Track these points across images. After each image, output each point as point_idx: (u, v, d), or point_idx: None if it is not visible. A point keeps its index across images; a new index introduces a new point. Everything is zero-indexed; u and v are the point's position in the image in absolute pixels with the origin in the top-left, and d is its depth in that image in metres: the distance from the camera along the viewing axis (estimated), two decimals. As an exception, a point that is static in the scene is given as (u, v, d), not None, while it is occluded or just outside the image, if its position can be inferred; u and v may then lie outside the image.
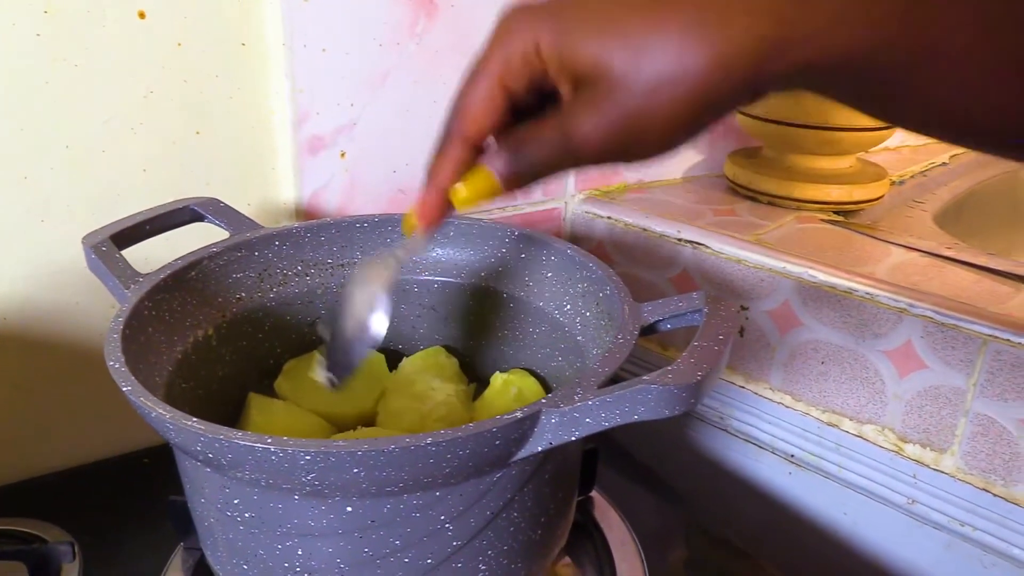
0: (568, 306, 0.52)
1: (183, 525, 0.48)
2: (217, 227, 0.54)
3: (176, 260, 0.49)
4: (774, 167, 0.82)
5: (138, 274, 0.47)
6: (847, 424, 0.65)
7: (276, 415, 0.51)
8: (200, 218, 0.55)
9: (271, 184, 0.65)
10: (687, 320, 0.44)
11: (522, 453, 0.37)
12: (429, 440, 0.33)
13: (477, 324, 0.58)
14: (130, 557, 0.53)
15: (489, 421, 0.35)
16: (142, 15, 0.56)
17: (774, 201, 0.80)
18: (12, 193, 0.55)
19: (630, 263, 0.77)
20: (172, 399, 0.43)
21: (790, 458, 0.69)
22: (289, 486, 0.35)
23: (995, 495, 0.58)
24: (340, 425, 0.53)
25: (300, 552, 0.38)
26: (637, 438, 0.69)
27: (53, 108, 0.55)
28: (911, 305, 0.59)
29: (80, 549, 0.52)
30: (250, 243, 0.53)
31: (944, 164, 1.05)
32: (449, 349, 0.58)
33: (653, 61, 0.31)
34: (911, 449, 0.62)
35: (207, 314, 0.50)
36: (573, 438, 0.36)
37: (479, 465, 0.36)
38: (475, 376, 0.58)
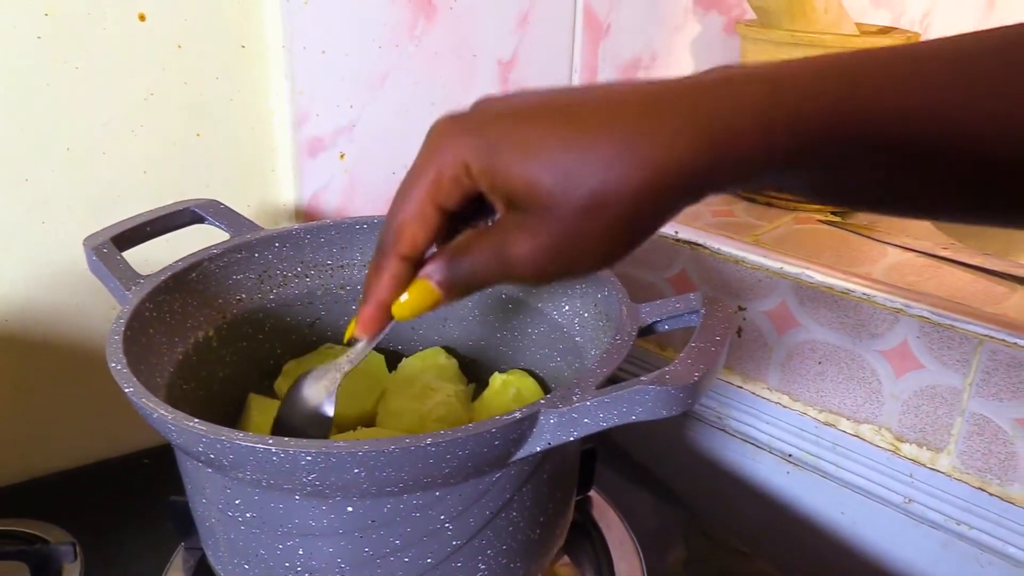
0: (566, 307, 0.53)
1: (184, 525, 0.48)
2: (217, 229, 0.55)
3: (177, 262, 0.50)
4: (772, 168, 0.82)
5: (139, 275, 0.48)
6: (844, 424, 0.65)
7: (276, 415, 0.51)
8: (200, 220, 0.55)
9: (271, 185, 0.65)
10: (684, 321, 0.45)
11: (521, 453, 0.37)
12: (429, 440, 0.34)
13: (476, 325, 0.58)
14: (131, 557, 0.53)
15: (488, 421, 0.35)
16: (142, 17, 0.56)
17: (772, 202, 0.80)
18: (13, 194, 0.55)
19: (628, 263, 0.77)
20: (173, 400, 0.43)
21: (788, 458, 0.70)
22: (290, 486, 0.36)
23: (991, 494, 0.58)
24: (340, 425, 0.53)
25: (301, 552, 0.39)
26: (635, 438, 0.69)
27: (54, 109, 0.55)
28: (907, 305, 0.59)
29: (81, 549, 0.52)
30: (250, 245, 0.53)
31: (941, 164, 1.05)
32: (448, 350, 0.59)
33: (583, 184, 0.30)
34: (908, 448, 0.62)
35: (207, 315, 0.51)
36: (572, 438, 0.37)
37: (478, 465, 0.37)
38: (474, 377, 0.59)
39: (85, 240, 0.50)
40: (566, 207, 0.31)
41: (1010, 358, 0.55)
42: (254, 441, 0.33)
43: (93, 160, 0.57)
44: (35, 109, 0.54)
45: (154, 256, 0.51)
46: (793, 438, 0.69)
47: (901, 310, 0.60)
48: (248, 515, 0.39)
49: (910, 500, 0.63)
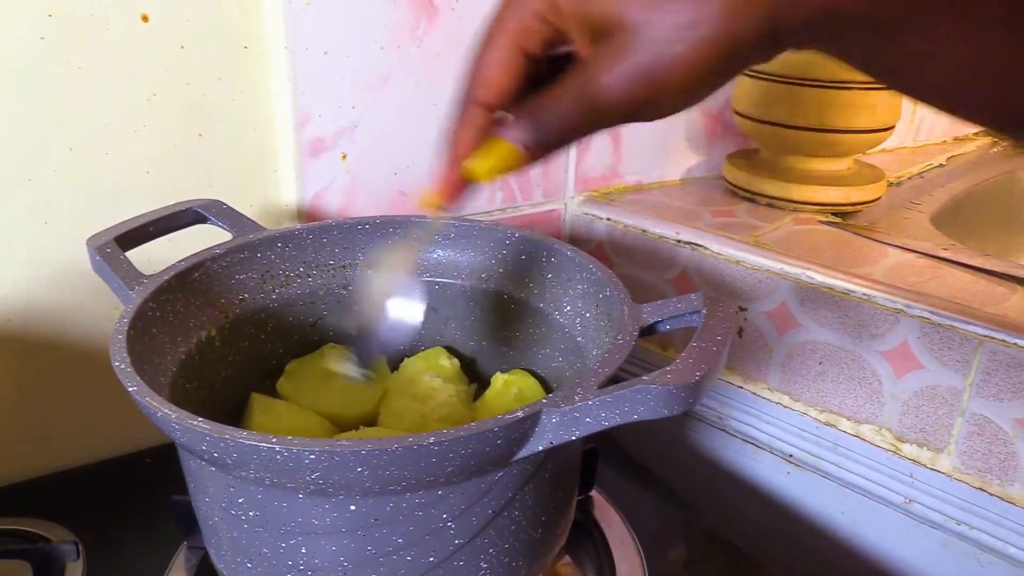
0: (568, 307, 0.53)
1: (186, 524, 0.48)
2: (220, 229, 0.55)
3: (179, 262, 0.50)
4: (772, 169, 0.82)
5: (142, 275, 0.48)
6: (845, 424, 0.65)
7: (279, 415, 0.51)
8: (203, 220, 0.55)
9: (273, 186, 0.65)
10: (686, 321, 0.45)
11: (523, 452, 0.37)
12: (432, 439, 0.34)
13: (478, 325, 0.58)
14: (134, 556, 0.54)
15: (491, 420, 0.35)
16: (145, 18, 0.56)
17: (772, 203, 0.81)
18: (16, 194, 0.55)
19: (629, 264, 0.77)
20: (176, 399, 0.43)
21: (788, 458, 0.70)
22: (293, 485, 0.36)
23: (991, 494, 0.58)
24: (342, 425, 0.53)
25: (304, 550, 0.39)
26: (637, 438, 0.69)
27: (56, 110, 0.55)
28: (908, 306, 0.59)
29: (84, 548, 0.52)
30: (252, 245, 0.53)
31: (941, 166, 1.05)
32: (450, 350, 0.59)
33: (672, 8, 0.30)
34: (908, 449, 0.62)
35: (210, 315, 0.51)
36: (573, 437, 0.37)
37: (481, 464, 0.37)
38: (476, 377, 0.59)
39: (88, 240, 0.50)
40: (653, 33, 0.31)
41: (1010, 358, 0.55)
42: (258, 440, 0.34)
43: (95, 160, 0.57)
44: (38, 109, 0.54)
45: (157, 256, 0.52)
46: (794, 438, 0.69)
47: (901, 311, 0.60)
48: (251, 514, 0.39)
49: (910, 500, 0.63)
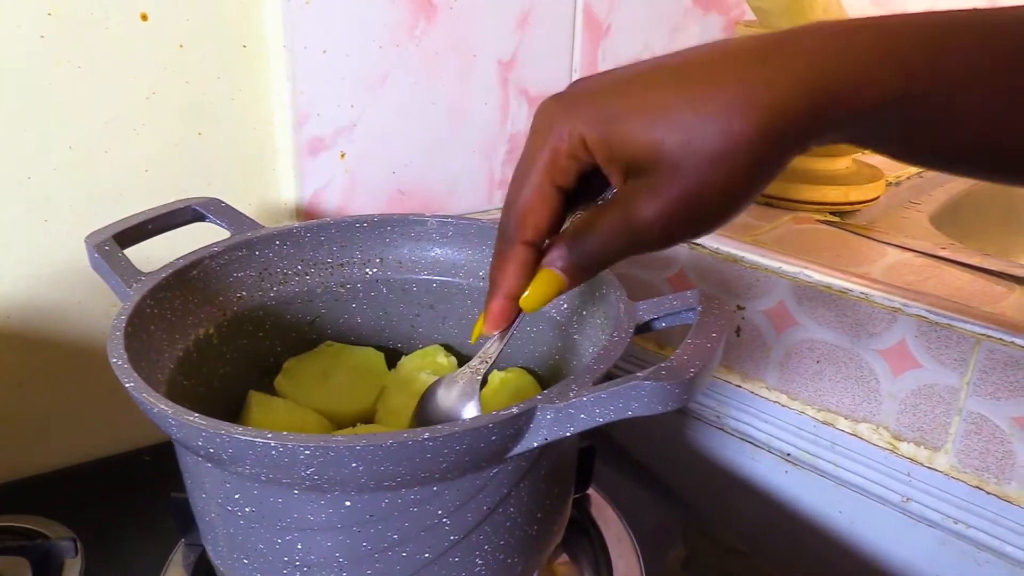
0: (565, 305, 0.53)
1: (184, 521, 0.49)
2: (218, 227, 0.55)
3: (178, 259, 0.50)
4: (771, 168, 0.82)
5: (140, 273, 0.48)
6: (842, 423, 0.65)
7: (276, 413, 0.51)
8: (201, 218, 0.55)
9: (272, 184, 0.65)
10: (682, 318, 0.45)
11: (518, 449, 0.37)
12: (426, 435, 0.34)
13: (475, 323, 0.58)
14: (132, 553, 0.54)
15: (485, 417, 0.35)
16: (144, 17, 0.57)
17: (771, 202, 0.81)
18: (15, 193, 0.56)
19: (627, 262, 0.76)
20: (174, 396, 0.44)
21: (786, 456, 0.70)
22: (289, 481, 0.36)
23: (988, 493, 0.58)
24: (339, 423, 0.53)
25: (300, 546, 0.39)
26: (634, 436, 0.70)
27: (56, 108, 0.55)
28: (905, 305, 0.59)
29: (82, 545, 0.52)
30: (251, 242, 0.54)
31: (941, 165, 1.05)
32: (447, 348, 0.59)
33: (704, 139, 0.31)
34: (905, 447, 0.62)
35: (208, 313, 0.51)
36: (568, 434, 0.37)
37: (476, 460, 0.37)
38: (473, 375, 0.59)
39: (87, 238, 0.50)
40: (689, 165, 0.32)
41: (1007, 357, 0.55)
42: (253, 435, 0.34)
43: (95, 159, 0.58)
44: (37, 108, 0.55)
45: (155, 254, 0.52)
46: (791, 437, 0.69)
47: (899, 309, 0.60)
48: (247, 509, 0.39)
49: (908, 499, 0.63)
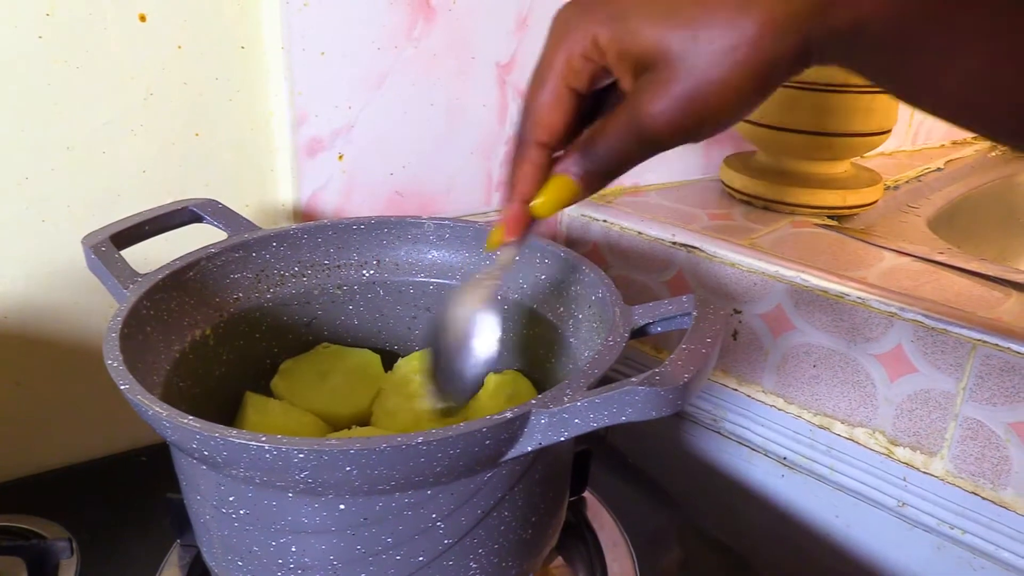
0: (561, 308, 0.53)
1: (180, 522, 0.49)
2: (215, 228, 0.55)
3: (174, 260, 0.50)
4: (769, 172, 0.83)
5: (137, 274, 0.48)
6: (839, 427, 0.65)
7: (272, 414, 0.51)
8: (199, 219, 0.55)
9: (269, 185, 0.65)
10: (677, 323, 0.45)
11: (512, 453, 0.37)
12: (420, 439, 0.34)
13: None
14: (127, 554, 0.54)
15: (479, 421, 0.35)
16: (143, 18, 0.56)
17: (769, 206, 0.81)
18: (13, 193, 0.56)
19: (625, 266, 0.77)
20: (169, 398, 0.44)
21: (782, 460, 0.70)
22: (283, 484, 0.36)
23: (984, 498, 0.58)
24: (335, 424, 0.53)
25: (294, 549, 0.39)
26: (630, 439, 0.70)
27: (54, 109, 0.55)
28: (902, 310, 0.59)
29: (78, 546, 0.52)
30: (248, 244, 0.54)
31: (939, 169, 1.05)
32: (444, 350, 0.59)
33: (710, 35, 0.32)
34: (901, 452, 0.62)
35: (205, 314, 0.51)
36: (562, 438, 0.37)
37: (470, 464, 0.37)
38: (470, 377, 0.59)
39: (84, 239, 0.50)
40: (695, 60, 0.33)
41: (1003, 363, 0.55)
42: (247, 438, 0.34)
43: (93, 159, 0.58)
44: (35, 108, 0.55)
45: (152, 255, 0.52)
46: (788, 441, 0.69)
47: (895, 314, 0.60)
48: (241, 512, 0.39)
49: (904, 504, 0.63)
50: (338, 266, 0.57)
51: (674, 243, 0.73)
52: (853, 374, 0.63)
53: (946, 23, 0.31)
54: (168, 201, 0.56)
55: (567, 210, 0.81)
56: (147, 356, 0.45)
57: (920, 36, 0.31)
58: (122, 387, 0.38)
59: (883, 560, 0.67)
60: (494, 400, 0.54)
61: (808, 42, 0.32)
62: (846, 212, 0.80)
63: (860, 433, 0.64)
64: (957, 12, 0.31)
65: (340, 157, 0.66)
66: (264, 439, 0.34)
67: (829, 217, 0.80)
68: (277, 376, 0.55)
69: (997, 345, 0.55)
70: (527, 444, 0.37)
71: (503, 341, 0.57)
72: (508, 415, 0.36)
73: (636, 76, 0.35)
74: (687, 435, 0.76)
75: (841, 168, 0.83)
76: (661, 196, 0.84)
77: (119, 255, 0.49)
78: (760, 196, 0.81)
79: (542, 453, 0.39)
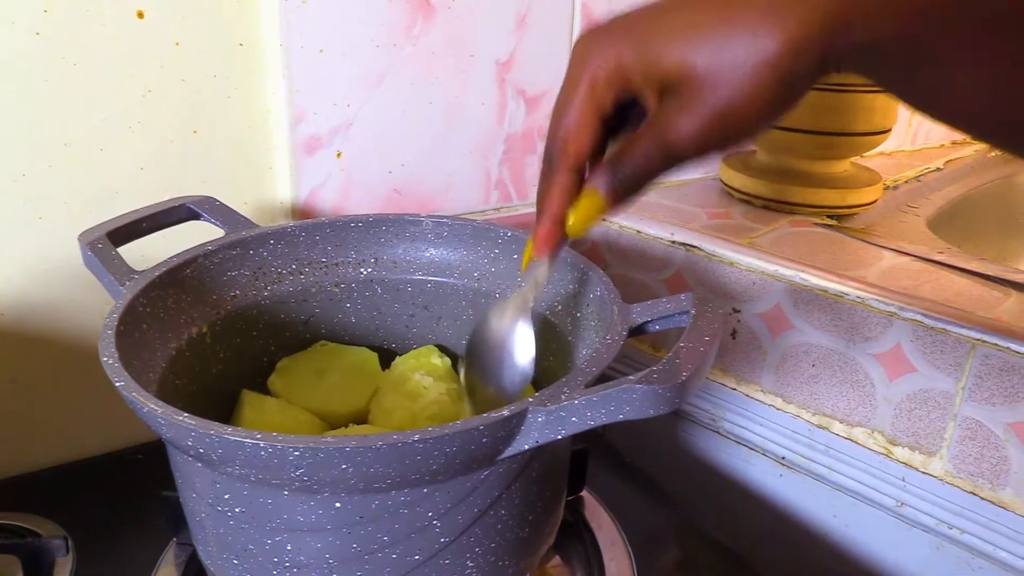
0: (559, 306, 0.53)
1: (175, 520, 0.49)
2: (213, 225, 0.55)
3: (171, 258, 0.50)
4: (769, 171, 0.82)
5: (133, 271, 0.48)
6: (837, 427, 0.65)
7: (269, 412, 0.51)
8: (196, 216, 0.55)
9: (267, 183, 0.65)
10: (675, 321, 0.45)
11: (509, 451, 0.37)
12: (416, 437, 0.34)
13: (469, 324, 0.58)
14: (123, 552, 0.54)
15: (476, 419, 0.35)
16: (140, 15, 0.56)
17: (768, 205, 0.81)
18: (10, 189, 0.55)
19: (624, 265, 0.77)
20: (165, 395, 0.44)
21: (781, 460, 0.70)
22: (279, 481, 0.36)
23: (983, 498, 0.58)
24: (332, 423, 0.53)
25: (289, 547, 0.39)
26: (629, 438, 0.69)
27: (51, 105, 0.55)
28: (901, 309, 0.59)
29: (73, 543, 0.52)
30: (245, 241, 0.53)
31: (939, 169, 1.05)
32: (441, 348, 0.59)
33: (733, 54, 0.33)
34: (900, 452, 0.62)
35: (202, 311, 0.51)
36: (559, 436, 0.37)
37: (466, 462, 0.37)
38: (467, 375, 0.59)
39: (80, 235, 0.50)
40: (719, 79, 0.34)
41: (1003, 363, 0.55)
42: (242, 436, 0.34)
43: (90, 156, 0.57)
44: (33, 105, 0.54)
45: (150, 252, 0.52)
46: (786, 440, 0.69)
47: (895, 314, 0.60)
48: (237, 510, 0.39)
49: (902, 503, 0.63)
50: (336, 264, 0.57)
51: (673, 242, 0.72)
52: (852, 374, 0.63)
53: (956, 40, 0.32)
54: (166, 198, 0.56)
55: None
56: (143, 353, 0.44)
57: (931, 51, 0.32)
58: (117, 384, 0.38)
59: (881, 560, 0.66)
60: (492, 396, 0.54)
61: (826, 59, 0.33)
62: (845, 212, 0.80)
63: (859, 433, 0.64)
64: (967, 31, 0.32)
65: (338, 155, 0.66)
66: (259, 436, 0.33)
67: (829, 216, 0.79)
68: (274, 374, 0.55)
69: (996, 345, 0.55)
70: (524, 442, 0.37)
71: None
72: (505, 413, 0.36)
73: (661, 97, 0.36)
74: (685, 434, 0.76)
75: (841, 168, 0.83)
76: (660, 195, 0.84)
77: (116, 252, 0.49)
78: (759, 195, 0.81)
79: (539, 451, 0.39)
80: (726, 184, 0.85)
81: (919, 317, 0.58)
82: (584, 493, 0.59)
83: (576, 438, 0.39)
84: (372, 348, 0.58)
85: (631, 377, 0.36)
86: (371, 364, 0.57)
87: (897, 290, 0.61)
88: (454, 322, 0.59)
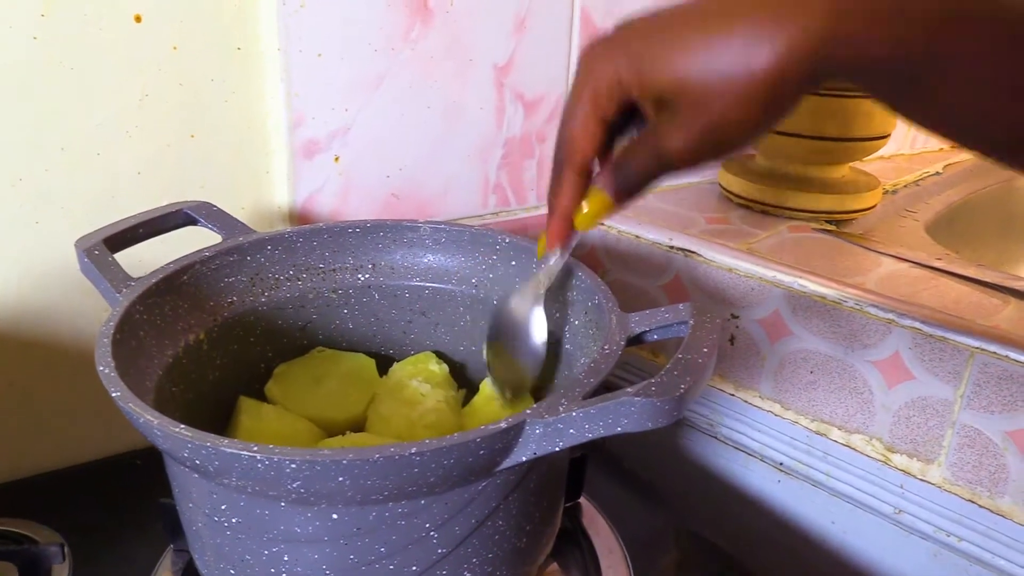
0: (557, 314, 0.53)
1: (172, 527, 0.48)
2: (209, 231, 0.55)
3: (168, 264, 0.50)
4: (768, 176, 0.82)
5: (130, 278, 0.48)
6: (835, 433, 0.65)
7: (266, 420, 0.51)
8: (193, 222, 0.55)
9: (265, 187, 0.65)
10: (673, 331, 0.45)
11: (507, 463, 0.37)
12: (414, 450, 0.34)
13: (467, 330, 0.58)
14: (120, 558, 0.53)
15: (473, 431, 0.35)
16: (138, 19, 0.56)
17: (767, 210, 0.80)
18: (7, 194, 0.55)
19: (622, 270, 0.77)
20: (162, 403, 0.44)
21: (779, 466, 0.70)
22: (276, 493, 0.36)
23: (981, 506, 0.58)
24: (330, 430, 0.53)
25: (286, 558, 0.38)
26: (626, 444, 0.69)
27: (48, 110, 0.55)
28: (900, 317, 0.59)
29: (70, 550, 0.52)
30: (242, 247, 0.53)
31: (937, 174, 1.05)
32: (439, 355, 0.59)
33: (723, 71, 0.35)
34: (898, 459, 0.62)
35: (199, 318, 0.50)
36: (557, 448, 0.37)
37: (464, 474, 0.37)
38: (465, 382, 0.59)
39: (77, 242, 0.50)
40: (710, 94, 0.35)
41: (1001, 371, 0.55)
42: (239, 448, 0.33)
43: (88, 161, 0.57)
44: (30, 109, 0.54)
45: (147, 257, 0.51)
46: (784, 447, 0.69)
47: (893, 321, 0.60)
48: (234, 520, 0.39)
49: (900, 511, 0.63)
50: (333, 270, 0.57)
51: (671, 247, 0.72)
52: (850, 380, 0.63)
53: (941, 58, 0.33)
54: (163, 203, 0.55)
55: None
56: (140, 361, 0.44)
57: (920, 69, 0.34)
58: (114, 394, 0.38)
59: (879, 567, 0.66)
60: (490, 405, 0.54)
61: (816, 74, 0.34)
62: (844, 217, 0.80)
63: (857, 440, 0.64)
64: (951, 51, 0.33)
65: (336, 159, 0.66)
66: (256, 449, 0.33)
67: (827, 221, 0.79)
68: (272, 381, 0.55)
69: (995, 353, 0.55)
70: (522, 454, 0.37)
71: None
72: (503, 425, 0.35)
73: (657, 108, 0.38)
74: (683, 440, 0.76)
75: (840, 173, 0.83)
76: (659, 199, 0.84)
77: (112, 258, 0.49)
78: (758, 200, 0.81)
79: (537, 462, 0.39)
80: (725, 188, 0.85)
81: (918, 325, 0.58)
82: (582, 500, 0.59)
83: (574, 446, 0.39)
84: (369, 354, 0.58)
85: (629, 390, 0.36)
86: (368, 370, 0.57)
87: (896, 297, 0.61)
88: (452, 328, 0.59)
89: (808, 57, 0.33)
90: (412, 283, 0.58)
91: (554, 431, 0.36)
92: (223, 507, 0.39)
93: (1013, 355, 0.54)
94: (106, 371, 0.39)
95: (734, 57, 0.34)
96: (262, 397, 0.54)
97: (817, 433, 0.66)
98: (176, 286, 0.49)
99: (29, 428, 0.61)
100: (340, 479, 0.34)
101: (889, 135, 0.80)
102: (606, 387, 0.39)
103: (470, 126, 0.72)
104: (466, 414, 0.55)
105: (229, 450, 0.33)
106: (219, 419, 0.51)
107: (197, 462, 0.35)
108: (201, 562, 0.43)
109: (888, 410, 0.62)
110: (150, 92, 0.58)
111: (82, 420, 0.62)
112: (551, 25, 0.74)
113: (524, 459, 0.37)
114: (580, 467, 0.56)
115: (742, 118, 0.35)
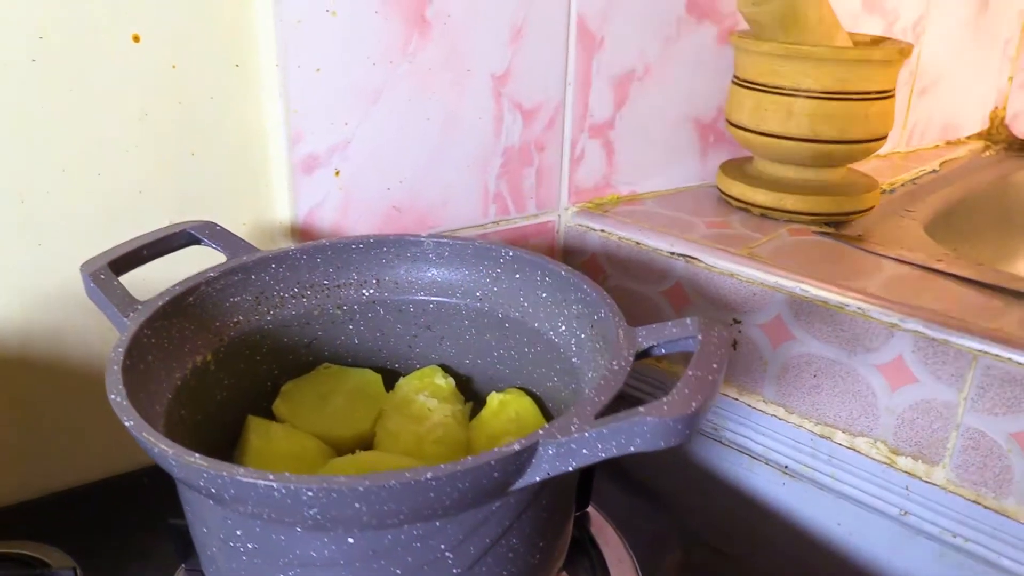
0: (563, 327, 0.53)
1: (183, 547, 0.48)
2: (213, 250, 0.55)
3: (174, 286, 0.50)
4: (765, 179, 0.82)
5: (136, 301, 0.48)
6: (840, 436, 0.66)
7: (274, 438, 0.51)
8: (197, 241, 0.55)
9: (266, 203, 0.65)
10: (681, 346, 0.45)
11: (520, 483, 0.37)
12: (429, 474, 0.34)
13: (472, 344, 0.58)
14: (131, 579, 0.54)
15: (487, 454, 0.35)
16: (136, 38, 0.56)
17: (766, 213, 0.81)
18: (8, 216, 0.55)
19: (623, 276, 0.77)
20: (171, 427, 0.44)
21: (784, 469, 0.70)
22: (291, 520, 0.36)
23: (986, 507, 0.59)
24: (338, 447, 0.53)
25: (302, 582, 0.39)
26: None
27: (48, 130, 0.55)
28: (902, 320, 0.60)
29: (83, 573, 0.52)
30: (246, 266, 0.53)
31: (934, 171, 1.06)
32: (445, 368, 0.59)
33: None
34: (903, 461, 0.62)
35: (205, 339, 0.51)
36: (570, 468, 0.37)
37: (478, 496, 0.37)
38: (471, 394, 0.59)
39: (82, 266, 0.50)
40: None
41: (1005, 373, 0.55)
42: (255, 477, 0.34)
43: (88, 180, 0.57)
44: (30, 130, 0.54)
45: (150, 276, 0.51)
46: (789, 450, 0.69)
47: (896, 325, 0.60)
48: (249, 546, 0.39)
49: (906, 512, 0.63)
50: (337, 286, 0.57)
51: (672, 253, 0.72)
52: (854, 384, 0.63)
53: None
54: (164, 220, 0.56)
55: (564, 220, 0.81)
56: (149, 386, 0.44)
57: None
58: (127, 424, 0.38)
59: (885, 568, 0.67)
60: (497, 419, 0.54)
61: None
62: (843, 218, 0.80)
63: (862, 443, 0.64)
64: None
65: (337, 173, 0.66)
66: (272, 478, 0.33)
67: (826, 223, 0.80)
68: (279, 399, 0.55)
69: (999, 356, 0.55)
70: (535, 475, 0.37)
71: (497, 357, 0.57)
72: (516, 447, 0.36)
73: None
74: (688, 445, 0.76)
75: (837, 174, 0.83)
76: (658, 204, 0.84)
77: (118, 281, 0.49)
78: (757, 203, 0.81)
79: (549, 480, 0.39)
80: (723, 192, 0.85)
81: (920, 328, 0.59)
82: (589, 509, 0.59)
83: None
84: (375, 369, 0.58)
85: (641, 409, 0.36)
86: (374, 386, 0.57)
87: (898, 301, 0.61)
88: (457, 341, 0.59)
89: None
90: (416, 297, 0.58)
91: (567, 451, 0.36)
92: (238, 532, 0.39)
93: (1016, 357, 0.55)
94: (118, 399, 0.39)
95: None
96: (269, 415, 0.54)
97: (822, 436, 0.67)
98: (182, 308, 0.49)
99: (36, 449, 0.61)
100: (357, 505, 0.34)
101: (886, 137, 0.80)
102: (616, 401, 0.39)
103: (469, 136, 0.72)
104: (473, 427, 0.55)
105: (246, 479, 0.34)
106: (227, 439, 0.52)
107: (213, 491, 0.35)
108: (215, 585, 0.44)
109: (892, 413, 0.62)
110: (149, 111, 0.58)
111: (90, 439, 0.62)
112: (548, 33, 0.74)
113: (537, 479, 0.37)
114: (588, 476, 0.56)
115: None
